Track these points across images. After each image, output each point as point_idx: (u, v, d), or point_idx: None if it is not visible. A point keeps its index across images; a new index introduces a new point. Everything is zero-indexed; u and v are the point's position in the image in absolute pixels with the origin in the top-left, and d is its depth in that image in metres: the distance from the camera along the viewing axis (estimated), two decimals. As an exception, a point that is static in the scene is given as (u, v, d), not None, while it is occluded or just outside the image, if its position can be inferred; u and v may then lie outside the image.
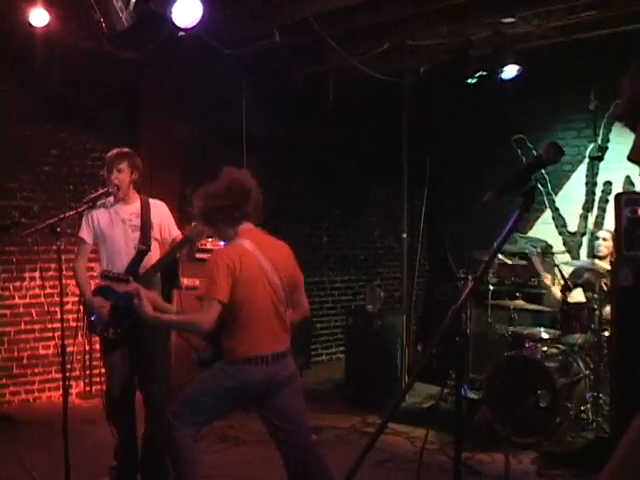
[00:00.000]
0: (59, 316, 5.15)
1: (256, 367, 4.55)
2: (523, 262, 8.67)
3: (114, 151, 5.74)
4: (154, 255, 5.70)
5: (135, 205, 5.76)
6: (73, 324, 8.19)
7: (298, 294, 4.86)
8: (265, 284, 4.57)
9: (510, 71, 8.59)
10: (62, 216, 5.20)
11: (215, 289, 4.38)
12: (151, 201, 5.86)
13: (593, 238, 8.56)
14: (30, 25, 7.29)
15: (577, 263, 8.66)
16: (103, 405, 5.79)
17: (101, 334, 5.64)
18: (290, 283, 4.73)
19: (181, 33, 7.10)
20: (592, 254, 8.36)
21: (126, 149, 5.83)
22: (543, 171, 8.81)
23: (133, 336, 5.55)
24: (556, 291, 8.00)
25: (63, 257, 7.59)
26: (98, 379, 8.69)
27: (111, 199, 5.74)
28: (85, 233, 5.77)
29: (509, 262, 8.31)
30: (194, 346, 6.56)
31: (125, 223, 5.70)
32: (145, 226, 5.69)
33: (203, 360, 4.79)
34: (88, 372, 8.74)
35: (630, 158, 1.62)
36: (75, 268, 5.84)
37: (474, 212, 8.35)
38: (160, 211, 5.85)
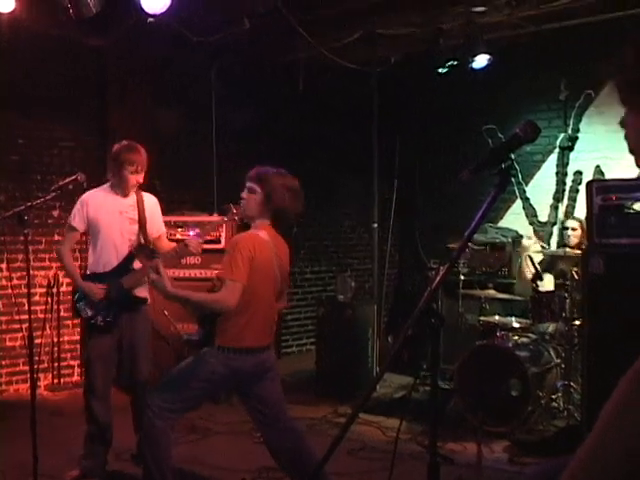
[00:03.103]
0: (26, 307, 5.08)
1: (251, 357, 4.66)
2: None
3: (138, 153, 5.73)
4: None
5: (132, 197, 5.82)
6: (41, 316, 8.18)
7: (284, 287, 5.07)
8: (271, 276, 4.74)
9: (481, 61, 8.58)
10: (29, 204, 5.13)
11: (238, 272, 4.50)
12: (144, 194, 5.94)
13: (563, 228, 8.58)
14: (-4, 11, 7.17)
15: (548, 252, 8.68)
16: (84, 392, 5.87)
17: (89, 320, 5.70)
18: (284, 278, 4.96)
19: (150, 20, 7.02)
20: (562, 243, 8.38)
21: (138, 145, 5.80)
22: (513, 164, 8.84)
23: (123, 319, 5.70)
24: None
25: (30, 248, 7.52)
26: (67, 371, 8.67)
27: (107, 188, 5.81)
28: (77, 221, 5.77)
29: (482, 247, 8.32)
30: (173, 330, 6.53)
31: (122, 214, 5.75)
32: (142, 219, 5.79)
33: (193, 341, 4.84)
34: (56, 364, 8.65)
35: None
36: (62, 253, 5.83)
37: (452, 189, 8.37)
38: (152, 206, 5.96)
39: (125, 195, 5.80)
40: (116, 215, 5.74)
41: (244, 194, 4.80)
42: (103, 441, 5.84)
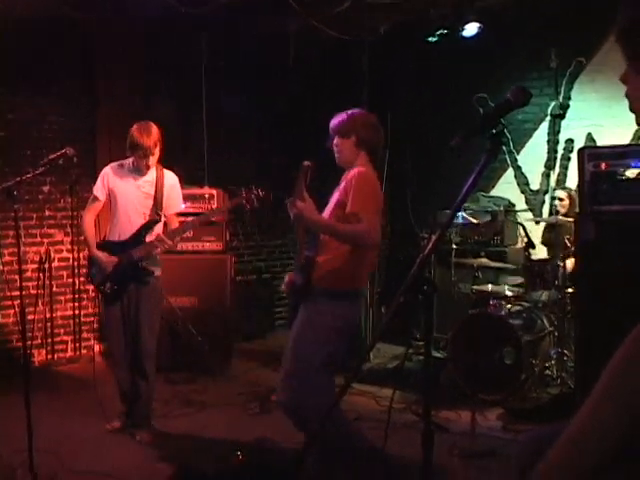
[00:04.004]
0: (18, 284, 5.07)
1: (360, 300, 4.66)
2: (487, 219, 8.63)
3: (147, 137, 5.83)
4: (161, 223, 6.11)
5: (151, 174, 6.04)
6: (33, 292, 8.16)
7: None
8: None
9: (471, 29, 8.52)
10: (19, 179, 5.10)
11: (372, 206, 4.39)
12: (165, 172, 6.13)
13: (552, 197, 8.57)
14: (-18, -14, 7.09)
15: (541, 220, 8.68)
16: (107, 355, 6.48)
17: (97, 287, 6.07)
18: None
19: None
20: (556, 211, 8.38)
21: (152, 126, 5.91)
22: (505, 129, 8.81)
23: (131, 289, 5.97)
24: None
25: (21, 223, 7.51)
26: (60, 347, 8.66)
27: (130, 163, 6.03)
28: (99, 191, 6.08)
29: (475, 221, 8.30)
30: (166, 304, 6.56)
31: (139, 189, 6.00)
32: (158, 196, 6.00)
33: (295, 286, 4.72)
34: (50, 340, 8.63)
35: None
36: (83, 220, 6.16)
37: (443, 160, 8.35)
38: (171, 184, 6.13)
39: (142, 172, 6.01)
40: (133, 189, 6.00)
41: (336, 141, 4.74)
42: (130, 404, 6.22)
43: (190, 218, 6.38)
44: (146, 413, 6.15)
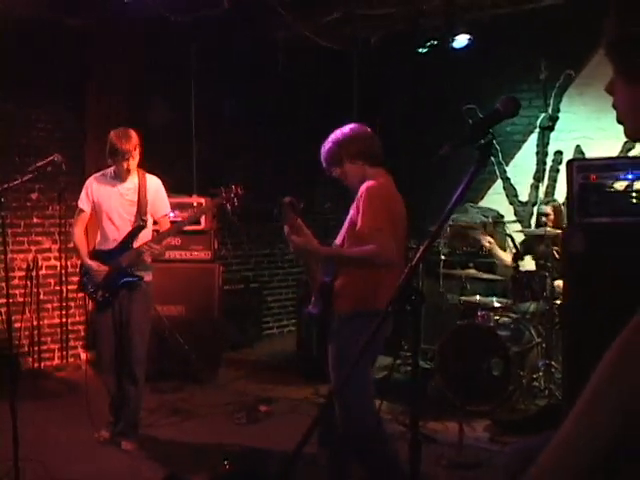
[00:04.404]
0: (5, 291, 5.04)
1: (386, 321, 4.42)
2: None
3: (126, 142, 5.87)
4: (148, 228, 6.12)
5: (132, 180, 6.05)
6: (20, 299, 8.11)
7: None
8: (403, 227, 4.47)
9: (461, 40, 8.56)
10: (6, 186, 5.08)
11: (382, 222, 4.16)
12: (147, 176, 6.14)
13: (538, 213, 8.59)
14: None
15: (529, 232, 8.69)
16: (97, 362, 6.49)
17: (90, 295, 6.10)
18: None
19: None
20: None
21: (130, 131, 5.96)
22: (494, 141, 8.81)
23: (122, 295, 6.00)
24: (505, 257, 7.99)
25: (9, 231, 7.48)
26: (47, 355, 8.61)
27: (112, 172, 6.07)
28: (84, 203, 6.12)
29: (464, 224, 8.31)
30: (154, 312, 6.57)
31: (122, 197, 6.03)
32: (141, 202, 6.02)
33: (313, 315, 4.59)
34: (37, 348, 8.59)
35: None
36: (72, 233, 6.24)
37: (432, 162, 8.33)
38: (154, 188, 6.15)
39: (123, 179, 6.03)
40: (116, 197, 6.03)
41: (337, 173, 4.58)
42: (118, 412, 6.20)
43: None
44: (134, 421, 6.13)
